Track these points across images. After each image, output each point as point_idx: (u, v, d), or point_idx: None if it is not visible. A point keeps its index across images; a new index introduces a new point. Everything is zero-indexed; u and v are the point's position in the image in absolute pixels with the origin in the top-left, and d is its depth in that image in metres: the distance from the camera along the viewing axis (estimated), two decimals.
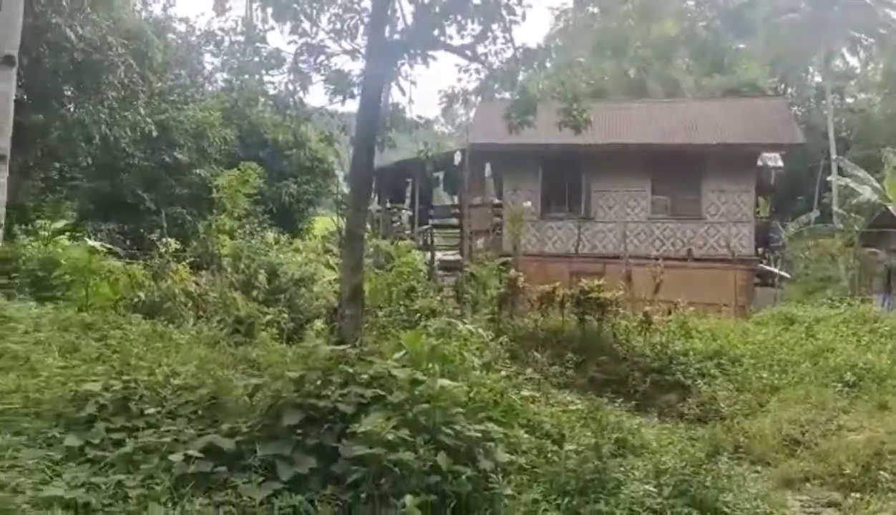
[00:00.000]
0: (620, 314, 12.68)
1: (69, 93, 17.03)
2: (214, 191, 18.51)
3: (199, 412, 5.14)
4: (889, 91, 36.46)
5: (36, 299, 10.39)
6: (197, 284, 12.01)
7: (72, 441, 4.55)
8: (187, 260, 13.10)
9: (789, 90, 37.30)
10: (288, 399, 5.14)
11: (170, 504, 4.03)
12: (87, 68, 16.08)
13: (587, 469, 5.33)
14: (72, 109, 16.95)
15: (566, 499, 5.08)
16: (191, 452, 4.47)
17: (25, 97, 15.04)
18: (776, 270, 22.30)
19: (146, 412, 4.96)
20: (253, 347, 8.57)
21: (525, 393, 7.32)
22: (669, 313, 13.51)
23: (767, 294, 20.81)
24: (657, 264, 15.36)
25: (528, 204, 20.19)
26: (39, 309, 9.49)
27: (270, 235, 19.19)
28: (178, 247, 14.00)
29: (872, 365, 11.03)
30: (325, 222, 28.14)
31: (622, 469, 5.69)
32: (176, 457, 4.42)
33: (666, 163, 21.05)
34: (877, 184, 26.55)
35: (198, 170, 21.59)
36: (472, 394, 5.88)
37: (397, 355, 6.19)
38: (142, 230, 20.06)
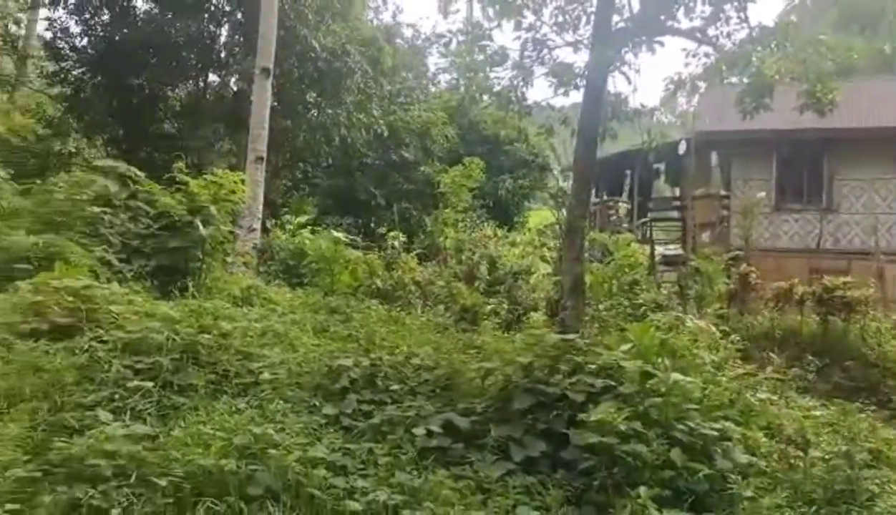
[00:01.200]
0: (870, 315, 11.44)
1: (312, 99, 18.72)
2: (438, 186, 19.42)
3: (437, 391, 5.46)
4: None
5: (288, 284, 11.61)
6: (423, 274, 12.70)
7: (329, 410, 5.05)
8: (415, 252, 13.88)
9: None
10: (518, 383, 5.30)
11: (414, 473, 4.33)
12: (329, 75, 17.59)
13: (837, 477, 4.91)
14: (315, 114, 18.62)
15: (812, 508, 4.72)
16: (431, 427, 4.77)
17: (276, 104, 16.81)
18: None
19: (391, 388, 5.37)
20: (478, 334, 8.91)
21: (762, 394, 6.87)
22: None
23: None
24: None
25: (762, 194, 18.79)
26: (291, 293, 10.61)
27: (488, 228, 19.76)
28: (406, 239, 14.89)
29: None
30: (539, 216, 28.37)
31: (877, 481, 5.17)
32: (418, 431, 4.74)
33: None
34: None
35: (422, 167, 22.76)
36: (706, 392, 5.64)
37: (624, 347, 6.10)
38: (372, 224, 21.62)
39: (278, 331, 7.05)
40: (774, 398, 7.29)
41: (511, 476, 4.60)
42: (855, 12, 26.29)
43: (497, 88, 11.56)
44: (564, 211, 15.50)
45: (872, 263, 15.09)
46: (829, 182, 19.63)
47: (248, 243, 12.88)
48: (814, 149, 19.10)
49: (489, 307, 11.41)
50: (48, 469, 3.72)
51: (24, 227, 8.70)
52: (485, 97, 12.12)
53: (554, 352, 5.52)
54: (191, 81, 19.17)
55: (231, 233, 10.99)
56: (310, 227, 16.45)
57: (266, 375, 5.45)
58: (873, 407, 8.71)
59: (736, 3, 9.67)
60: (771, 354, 9.95)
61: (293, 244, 13.44)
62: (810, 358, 10.31)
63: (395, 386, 5.40)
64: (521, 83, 11.24)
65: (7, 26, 18.39)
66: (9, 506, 3.34)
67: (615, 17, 9.98)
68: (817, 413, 7.10)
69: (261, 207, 14.02)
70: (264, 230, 14.89)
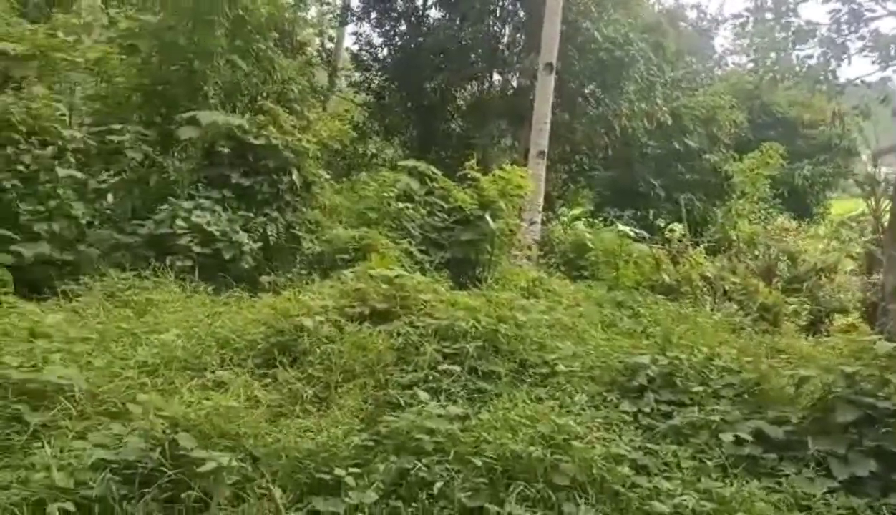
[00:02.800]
0: None
1: (590, 91, 18.61)
2: (724, 174, 18.21)
3: (743, 396, 5.13)
4: None
5: (568, 277, 11.71)
6: (712, 269, 12.02)
7: (626, 407, 4.99)
8: (703, 245, 13.19)
9: None
10: (840, 394, 4.78)
11: (723, 481, 4.11)
12: (610, 66, 17.34)
13: None
14: (595, 105, 18.49)
15: None
16: (741, 434, 4.49)
17: (556, 98, 16.98)
18: None
19: (691, 389, 5.15)
20: (780, 337, 8.21)
21: None
22: None
23: None
24: None
25: None
26: (574, 286, 10.68)
27: (782, 220, 18.12)
28: (688, 232, 14.20)
29: None
30: (842, 206, 25.35)
31: None
32: (725, 437, 4.50)
33: None
34: None
35: (707, 155, 21.51)
36: None
37: None
38: (651, 216, 20.94)
39: (566, 324, 7.12)
40: None
41: (833, 495, 4.17)
42: None
43: (803, 68, 10.59)
44: (883, 201, 13.71)
45: None
46: None
47: (530, 236, 13.22)
48: None
49: (790, 307, 10.46)
50: (379, 440, 4.16)
51: (343, 222, 9.85)
52: (788, 77, 11.16)
53: (886, 363, 4.90)
54: (476, 81, 20.13)
55: (517, 225, 11.37)
56: (585, 219, 16.42)
57: (561, 367, 5.54)
58: None
59: None
60: None
61: (573, 236, 13.51)
62: None
63: (697, 388, 5.16)
64: (833, 60, 10.16)
65: (323, 43, 20.83)
66: (352, 470, 3.79)
67: None
68: None
69: (542, 200, 14.31)
70: (543, 222, 15.15)
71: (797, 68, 10.59)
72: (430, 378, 5.03)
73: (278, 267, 8.50)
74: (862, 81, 11.43)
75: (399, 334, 5.51)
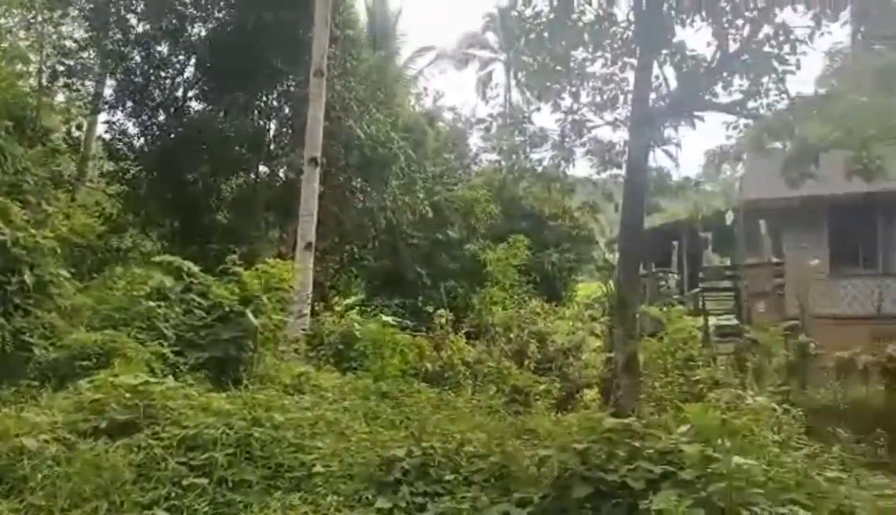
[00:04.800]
0: None
1: (359, 184, 19.23)
2: (484, 263, 19.50)
3: (491, 480, 5.35)
4: None
5: (338, 369, 11.66)
6: (472, 354, 12.65)
7: (382, 503, 4.99)
8: (463, 331, 13.86)
9: None
10: (575, 471, 5.17)
11: None
12: (374, 161, 18.09)
13: None
14: (361, 198, 19.07)
15: None
16: None
17: (324, 190, 17.29)
18: None
19: (444, 478, 5.29)
20: (530, 417, 8.76)
21: (830, 474, 6.55)
22: None
23: None
24: None
25: (816, 261, 18.38)
26: (342, 378, 10.63)
27: (536, 304, 19.67)
28: (453, 318, 14.89)
29: None
30: (587, 289, 28.16)
31: None
32: None
33: None
34: None
35: (468, 245, 22.95)
36: (770, 474, 5.42)
37: (683, 429, 5.92)
38: (419, 303, 21.72)
39: (330, 420, 7.04)
40: (844, 476, 6.95)
41: None
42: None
43: (539, 168, 11.79)
44: (612, 284, 15.42)
45: None
46: (885, 246, 19.13)
47: (298, 329, 13.04)
48: (867, 213, 18.70)
49: (541, 386, 11.25)
50: None
51: (85, 324, 9.00)
52: (526, 176, 12.37)
53: (611, 437, 5.40)
54: (242, 173, 19.90)
55: (282, 321, 11.17)
56: (358, 308, 16.59)
57: (319, 468, 5.43)
58: None
59: (774, 76, 9.74)
60: (837, 429, 9.53)
61: (341, 328, 13.56)
62: (880, 431, 9.84)
63: (449, 477, 5.31)
64: (563, 162, 11.45)
65: (70, 130, 19.42)
66: None
67: (652, 96, 10.16)
68: (890, 491, 6.72)
69: (310, 293, 14.24)
70: (313, 314, 15.08)
71: (535, 168, 11.75)
72: (173, 494, 4.68)
73: (2, 380, 7.50)
74: (590, 179, 12.89)
75: (140, 448, 5.09)
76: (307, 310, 14.02)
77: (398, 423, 7.42)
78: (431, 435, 6.17)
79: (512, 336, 14.00)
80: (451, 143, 26.37)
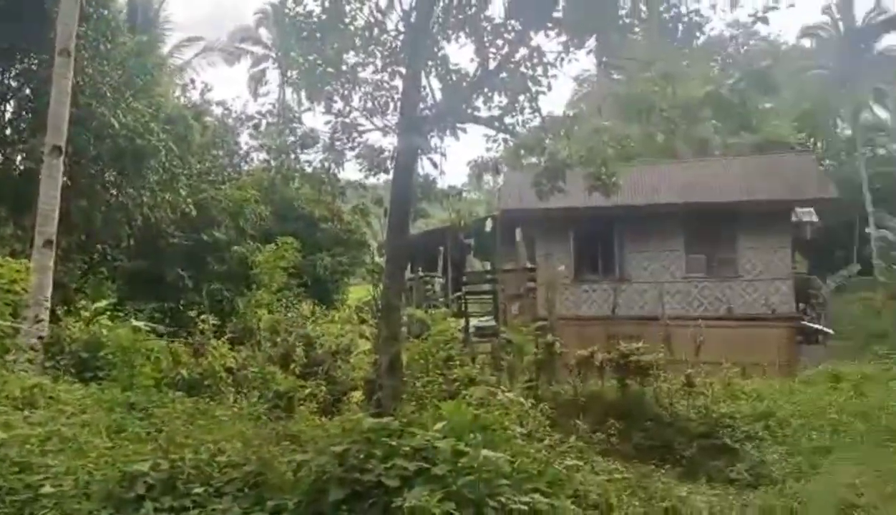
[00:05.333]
0: (662, 377, 12.46)
1: (112, 178, 17.67)
2: (252, 266, 18.84)
3: (245, 490, 5.15)
4: None
5: (81, 380, 10.58)
6: (236, 360, 12.15)
7: None
8: (226, 337, 13.27)
9: (818, 144, 37.15)
10: (332, 474, 5.13)
11: None
12: (129, 154, 16.71)
13: None
14: (115, 193, 17.55)
15: None
16: None
17: (69, 183, 15.65)
18: (819, 326, 21.81)
19: (193, 491, 4.98)
20: (294, 422, 8.59)
21: (569, 462, 7.18)
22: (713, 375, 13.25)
23: (812, 351, 20.30)
24: (697, 324, 15.16)
25: (562, 267, 20.18)
26: (84, 390, 9.66)
27: (305, 307, 19.41)
28: (218, 323, 14.20)
29: None
30: (359, 292, 28.39)
31: None
32: None
33: (699, 222, 20.99)
34: None
35: (235, 247, 22.04)
36: (515, 465, 5.79)
37: (438, 426, 6.14)
38: (181, 307, 20.44)
39: (66, 436, 6.36)
40: (581, 464, 7.65)
41: None
42: (632, 104, 29.54)
43: (308, 169, 11.66)
44: (381, 288, 15.66)
45: (661, 328, 16.59)
46: (621, 254, 21.52)
47: (33, 336, 11.65)
48: (605, 225, 20.93)
49: (307, 390, 11.10)
50: None
51: None
52: (296, 177, 12.17)
53: (369, 437, 5.43)
54: None
55: (12, 327, 9.92)
56: (110, 313, 15.22)
57: (48, 488, 4.87)
58: (668, 465, 9.44)
59: (528, 95, 10.50)
60: (577, 421, 10.49)
61: (87, 334, 12.34)
62: (612, 421, 10.99)
63: (199, 490, 5.01)
64: (333, 165, 11.42)
65: None
66: None
67: (420, 105, 10.49)
68: (619, 476, 7.53)
69: (49, 295, 12.78)
70: (55, 319, 13.58)
71: (304, 169, 11.60)
72: None
73: None
74: (360, 183, 12.98)
75: None
76: (45, 315, 12.57)
77: (146, 436, 6.89)
78: (182, 447, 5.81)
79: (278, 340, 13.67)
80: (219, 140, 25.19)
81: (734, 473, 9.96)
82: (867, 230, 29.75)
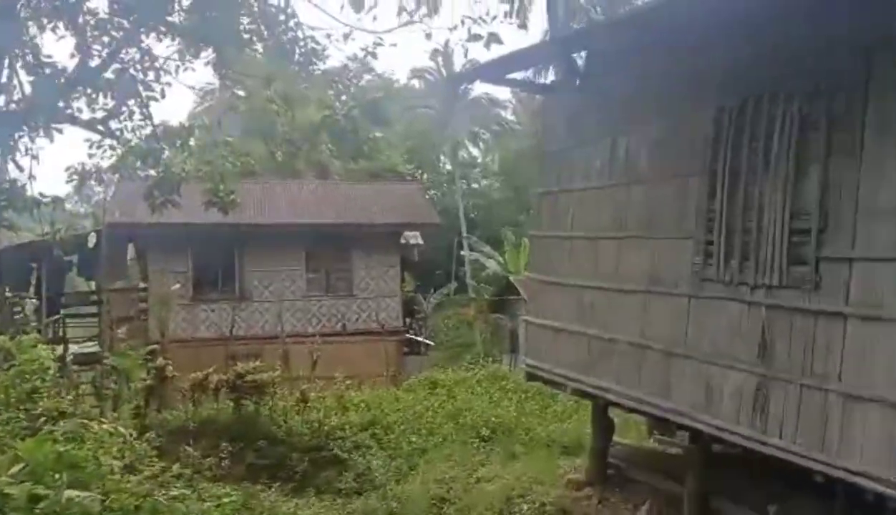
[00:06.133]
0: (278, 395, 12.53)
1: None
2: None
3: None
4: (504, 178, 42.57)
5: None
6: None
7: None
8: None
9: (425, 175, 41.42)
10: None
11: None
12: None
13: None
14: None
15: None
16: None
17: None
18: (421, 339, 24.22)
19: None
20: None
21: (174, 492, 6.76)
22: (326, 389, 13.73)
23: (415, 361, 22.38)
24: (314, 341, 15.60)
25: (177, 286, 19.13)
26: None
27: None
28: None
29: (502, 418, 12.43)
30: None
31: None
32: None
33: (320, 242, 21.72)
34: (500, 259, 30.72)
35: None
36: (107, 503, 5.27)
37: (14, 469, 5.30)
38: None
39: None
40: (188, 493, 7.27)
41: None
42: (255, 122, 29.52)
43: None
44: None
45: (280, 346, 16.72)
46: (241, 273, 21.23)
47: None
48: (226, 242, 20.44)
49: None
50: None
51: None
52: None
53: None
54: None
55: None
56: None
57: None
58: (280, 482, 9.49)
59: (139, 100, 9.78)
60: (186, 447, 9.99)
61: None
62: (225, 444, 10.69)
63: None
64: None
65: None
66: None
67: (6, 99, 9.07)
68: (228, 499, 7.33)
69: None
70: None
71: None
72: None
73: None
74: None
75: None
76: None
77: None
78: None
79: None
80: None
81: (342, 483, 10.42)
82: (462, 253, 33.86)
